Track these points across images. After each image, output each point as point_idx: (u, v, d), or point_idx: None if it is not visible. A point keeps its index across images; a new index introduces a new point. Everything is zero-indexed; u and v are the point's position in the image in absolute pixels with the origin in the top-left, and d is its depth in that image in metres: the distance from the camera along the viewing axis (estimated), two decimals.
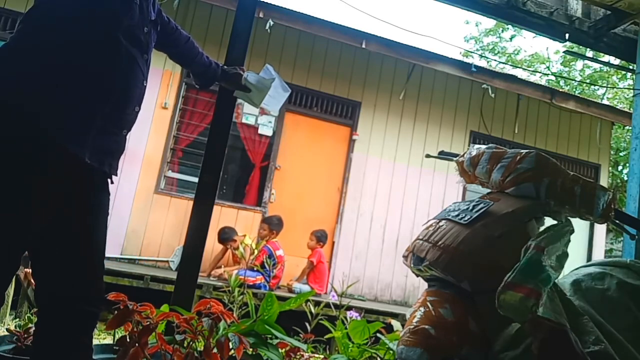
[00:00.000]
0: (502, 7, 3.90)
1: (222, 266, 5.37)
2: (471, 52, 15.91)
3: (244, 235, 5.45)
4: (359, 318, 2.70)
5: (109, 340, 3.05)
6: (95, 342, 1.63)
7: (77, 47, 1.15)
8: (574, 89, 14.44)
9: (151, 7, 1.46)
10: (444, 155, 1.67)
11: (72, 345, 1.28)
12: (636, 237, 2.62)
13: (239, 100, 2.30)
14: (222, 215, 5.73)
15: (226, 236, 5.33)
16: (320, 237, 5.54)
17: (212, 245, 5.22)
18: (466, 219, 1.26)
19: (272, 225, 5.35)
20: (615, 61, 6.56)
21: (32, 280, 4.28)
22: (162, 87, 5.83)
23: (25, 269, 4.13)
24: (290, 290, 5.24)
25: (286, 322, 2.30)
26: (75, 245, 1.28)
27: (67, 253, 1.27)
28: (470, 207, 1.30)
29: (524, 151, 1.33)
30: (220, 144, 2.38)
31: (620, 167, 13.57)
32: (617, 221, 1.36)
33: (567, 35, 4.05)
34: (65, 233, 1.17)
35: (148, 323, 1.64)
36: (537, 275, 1.06)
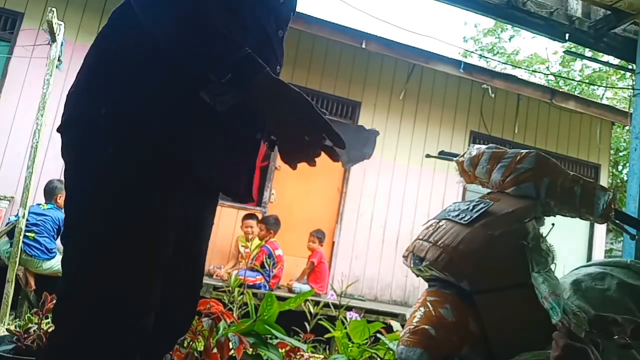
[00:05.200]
0: (502, 7, 3.91)
1: (222, 266, 5.37)
2: (471, 52, 15.92)
3: (255, 220, 5.51)
4: (358, 318, 2.70)
5: None
6: None
7: None
8: (574, 89, 14.44)
9: None
10: (444, 155, 1.67)
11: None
12: (636, 237, 2.62)
13: None
14: (222, 215, 5.72)
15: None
16: (320, 238, 5.55)
17: (212, 245, 5.22)
18: (466, 218, 1.26)
19: (269, 225, 5.35)
20: (615, 61, 6.57)
21: (31, 281, 4.27)
22: None
23: (25, 269, 4.13)
24: (290, 290, 5.24)
25: (286, 322, 2.29)
26: (191, 260, 1.17)
27: (184, 268, 1.14)
28: (470, 207, 1.30)
29: (524, 151, 1.33)
30: None
31: (620, 167, 13.58)
32: (617, 221, 1.36)
33: (567, 35, 4.06)
34: (184, 246, 1.09)
35: None
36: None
